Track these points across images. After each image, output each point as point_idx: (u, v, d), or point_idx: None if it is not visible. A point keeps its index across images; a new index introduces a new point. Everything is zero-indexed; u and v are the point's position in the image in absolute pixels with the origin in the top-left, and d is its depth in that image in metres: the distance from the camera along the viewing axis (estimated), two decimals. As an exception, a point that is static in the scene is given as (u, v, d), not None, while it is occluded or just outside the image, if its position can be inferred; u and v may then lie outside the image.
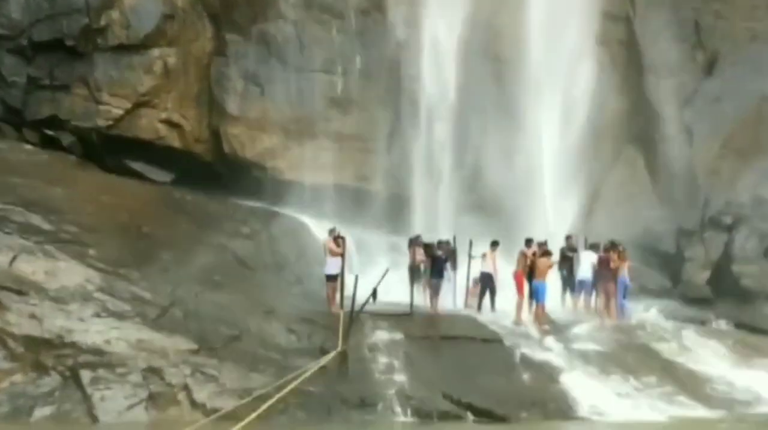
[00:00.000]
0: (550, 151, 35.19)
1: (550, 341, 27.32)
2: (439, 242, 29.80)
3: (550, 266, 29.29)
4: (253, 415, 20.37)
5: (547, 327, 28.10)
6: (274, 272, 29.65)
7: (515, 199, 33.84)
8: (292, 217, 32.83)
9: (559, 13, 35.06)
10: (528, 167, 34.77)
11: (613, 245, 30.04)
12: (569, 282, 30.87)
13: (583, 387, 24.99)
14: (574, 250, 31.11)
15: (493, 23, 35.42)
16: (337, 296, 27.18)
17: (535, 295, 28.83)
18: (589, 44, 35.86)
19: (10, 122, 32.61)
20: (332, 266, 27.84)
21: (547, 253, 29.31)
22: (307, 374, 22.57)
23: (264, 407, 20.96)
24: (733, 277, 32.88)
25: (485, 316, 28.87)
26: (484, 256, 29.76)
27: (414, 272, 29.84)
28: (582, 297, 30.51)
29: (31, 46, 32.60)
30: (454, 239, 30.71)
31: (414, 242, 30.50)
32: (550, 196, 34.57)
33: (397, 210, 33.47)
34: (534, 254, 29.11)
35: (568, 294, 30.95)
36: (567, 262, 30.86)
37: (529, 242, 29.62)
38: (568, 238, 31.57)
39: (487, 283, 29.66)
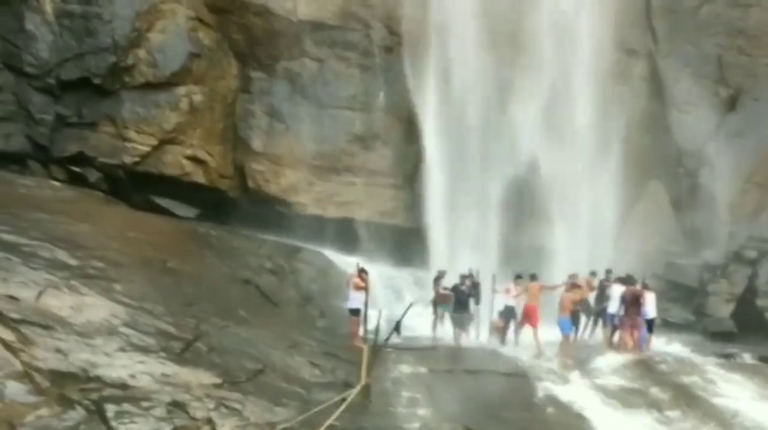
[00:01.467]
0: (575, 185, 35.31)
1: (573, 375, 27.25)
2: (463, 276, 29.87)
3: (575, 301, 29.35)
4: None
5: (570, 361, 28.08)
6: (298, 306, 29.86)
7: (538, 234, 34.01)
8: (316, 251, 33.09)
9: (582, 49, 35.26)
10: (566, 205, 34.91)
11: (630, 279, 30.06)
12: (602, 315, 30.84)
13: (607, 422, 24.87)
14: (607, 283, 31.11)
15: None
16: (360, 329, 27.24)
17: (562, 329, 28.92)
18: (612, 81, 36.00)
19: (38, 159, 33.06)
20: (355, 300, 27.97)
21: (575, 286, 29.42)
22: (338, 412, 22.54)
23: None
24: (757, 311, 32.84)
25: (509, 350, 28.88)
26: (507, 290, 29.82)
27: (438, 306, 29.90)
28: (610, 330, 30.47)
29: (59, 84, 33.11)
30: (478, 273, 30.78)
31: (439, 277, 30.59)
32: (574, 231, 34.61)
33: (420, 245, 33.64)
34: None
35: (599, 327, 30.91)
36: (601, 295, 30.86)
37: (533, 277, 29.85)
38: (607, 272, 31.55)
39: (510, 316, 29.70)
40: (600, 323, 30.92)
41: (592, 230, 34.79)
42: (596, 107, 35.64)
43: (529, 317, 29.50)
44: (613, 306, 29.94)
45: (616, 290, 30.09)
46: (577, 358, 28.37)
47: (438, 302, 30.05)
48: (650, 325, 29.82)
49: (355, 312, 27.88)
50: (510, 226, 34.37)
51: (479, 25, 35.25)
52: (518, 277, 29.91)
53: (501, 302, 30.13)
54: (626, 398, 26.18)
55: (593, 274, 31.37)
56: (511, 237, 34.10)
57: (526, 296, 29.65)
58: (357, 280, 28.05)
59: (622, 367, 27.99)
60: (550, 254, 33.88)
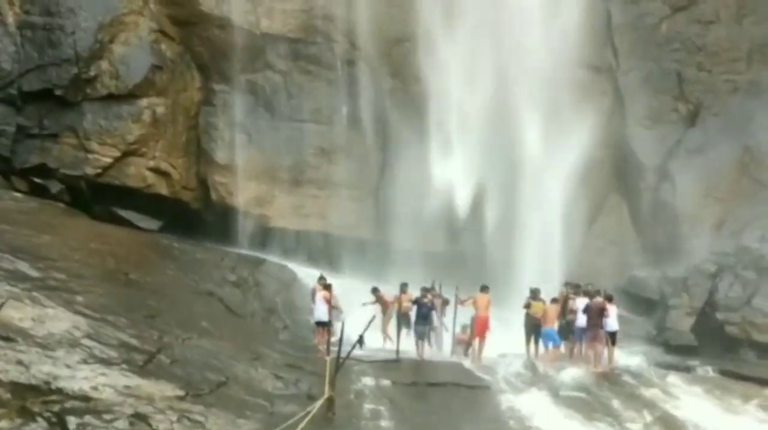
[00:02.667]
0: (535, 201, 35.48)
1: (536, 388, 27.37)
2: (425, 289, 29.91)
3: (558, 313, 29.68)
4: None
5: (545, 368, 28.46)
6: (261, 318, 29.80)
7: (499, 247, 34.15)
8: (280, 264, 33.03)
9: (544, 65, 35.47)
10: (511, 216, 35.03)
11: (597, 292, 30.24)
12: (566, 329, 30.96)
13: (567, 433, 25.09)
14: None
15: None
16: (324, 341, 27.29)
17: (549, 339, 29.60)
18: (573, 97, 36.25)
19: (0, 170, 32.86)
20: (321, 313, 28.02)
21: (554, 300, 29.94)
22: (302, 425, 22.50)
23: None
24: (717, 324, 33.03)
25: (471, 362, 28.98)
26: (474, 301, 29.90)
27: (401, 319, 29.94)
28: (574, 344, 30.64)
29: (20, 95, 32.90)
30: (440, 285, 30.83)
31: (402, 290, 30.61)
32: (535, 244, 34.76)
33: (383, 258, 33.70)
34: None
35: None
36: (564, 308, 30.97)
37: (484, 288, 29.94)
38: (565, 284, 31.68)
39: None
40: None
41: (552, 243, 34.89)
42: (557, 123, 35.83)
43: (480, 328, 29.63)
44: (580, 319, 30.09)
45: (580, 303, 30.28)
46: (541, 371, 28.49)
47: (401, 315, 30.09)
48: (613, 337, 29.99)
49: (322, 324, 27.94)
50: (473, 238, 34.51)
51: (443, 39, 35.40)
52: (484, 288, 29.99)
53: (466, 314, 30.24)
54: (587, 410, 26.32)
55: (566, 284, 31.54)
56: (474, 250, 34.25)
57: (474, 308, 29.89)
58: (325, 292, 28.13)
59: (584, 380, 28.15)
60: (513, 268, 33.99)
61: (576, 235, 35.70)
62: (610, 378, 28.71)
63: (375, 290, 30.44)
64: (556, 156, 35.64)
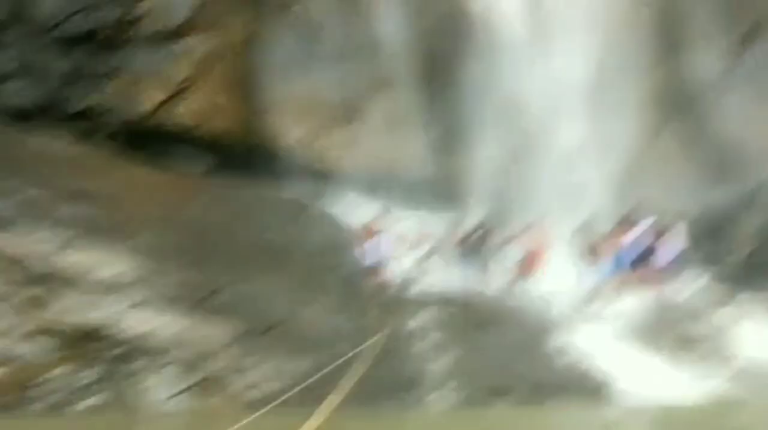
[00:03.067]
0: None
1: (588, 319, 27.13)
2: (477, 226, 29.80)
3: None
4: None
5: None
6: (316, 258, 29.62)
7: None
8: (331, 203, 32.82)
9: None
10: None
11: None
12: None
13: (623, 367, 24.81)
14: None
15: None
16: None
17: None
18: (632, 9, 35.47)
19: (50, 114, 32.69)
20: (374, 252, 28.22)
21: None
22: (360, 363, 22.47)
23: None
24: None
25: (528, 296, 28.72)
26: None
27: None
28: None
29: (67, 38, 32.62)
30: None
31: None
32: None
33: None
34: None
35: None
36: None
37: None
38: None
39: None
40: None
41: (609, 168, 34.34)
42: (609, 47, 35.09)
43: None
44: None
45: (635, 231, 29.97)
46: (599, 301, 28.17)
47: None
48: (678, 262, 29.58)
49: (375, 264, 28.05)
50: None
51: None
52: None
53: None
54: (650, 340, 26.09)
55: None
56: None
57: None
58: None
59: (647, 308, 27.83)
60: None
61: (634, 159, 35.11)
62: (666, 308, 28.33)
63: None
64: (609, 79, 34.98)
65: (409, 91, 34.45)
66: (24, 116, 32.68)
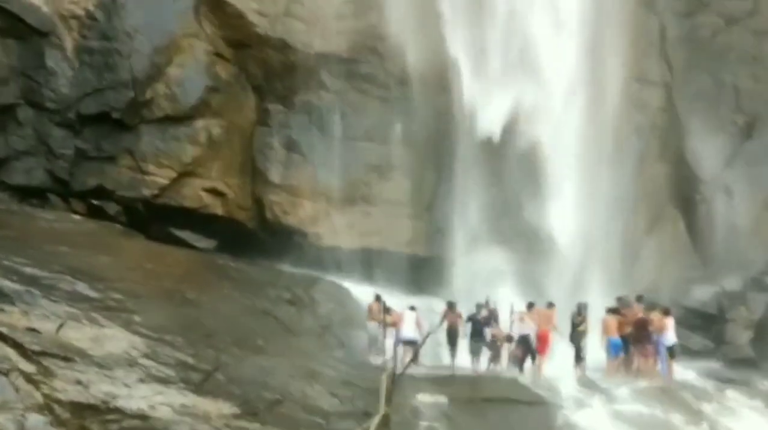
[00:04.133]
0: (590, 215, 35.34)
1: (594, 402, 27.27)
2: (479, 305, 29.98)
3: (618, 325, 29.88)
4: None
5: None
6: (316, 336, 29.89)
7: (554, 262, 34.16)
8: (334, 282, 33.18)
9: (597, 79, 35.40)
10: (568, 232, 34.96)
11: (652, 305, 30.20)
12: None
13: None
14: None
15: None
16: (379, 359, 27.44)
17: (613, 349, 29.62)
18: (629, 110, 36.15)
19: (58, 193, 33.37)
20: (409, 332, 29.20)
21: (614, 310, 30.20)
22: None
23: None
24: (776, 337, 32.73)
25: (527, 378, 28.90)
26: (522, 318, 29.89)
27: (451, 336, 29.99)
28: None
29: (78, 119, 33.32)
30: (495, 302, 30.82)
31: (450, 308, 30.64)
32: (591, 258, 34.64)
33: (438, 274, 33.76)
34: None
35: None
36: None
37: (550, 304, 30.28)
38: (618, 299, 31.58)
39: (526, 344, 29.77)
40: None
41: (607, 257, 34.75)
42: (613, 136, 35.76)
43: (541, 342, 29.63)
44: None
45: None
46: (595, 385, 28.37)
47: (451, 331, 30.17)
48: (671, 351, 29.85)
49: (409, 343, 28.54)
50: (526, 254, 34.48)
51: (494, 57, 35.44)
52: (531, 305, 30.02)
53: (517, 330, 30.21)
54: (646, 426, 26.18)
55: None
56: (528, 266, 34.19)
57: (533, 322, 29.83)
58: (413, 313, 29.61)
59: (642, 394, 27.99)
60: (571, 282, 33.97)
61: (632, 248, 35.58)
62: (669, 392, 28.53)
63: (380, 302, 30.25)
64: (610, 171, 35.53)
65: (407, 177, 35.14)
66: (34, 194, 33.28)
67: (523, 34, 35.53)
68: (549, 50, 35.59)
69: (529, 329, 29.75)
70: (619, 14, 35.58)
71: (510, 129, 34.88)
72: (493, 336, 30.05)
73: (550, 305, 30.24)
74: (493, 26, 35.53)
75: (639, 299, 31.60)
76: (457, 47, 35.20)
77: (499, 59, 35.43)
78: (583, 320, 29.94)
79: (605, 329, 29.85)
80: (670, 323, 30.03)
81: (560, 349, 30.26)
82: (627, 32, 35.84)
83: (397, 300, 31.13)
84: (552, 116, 35.26)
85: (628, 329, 30.08)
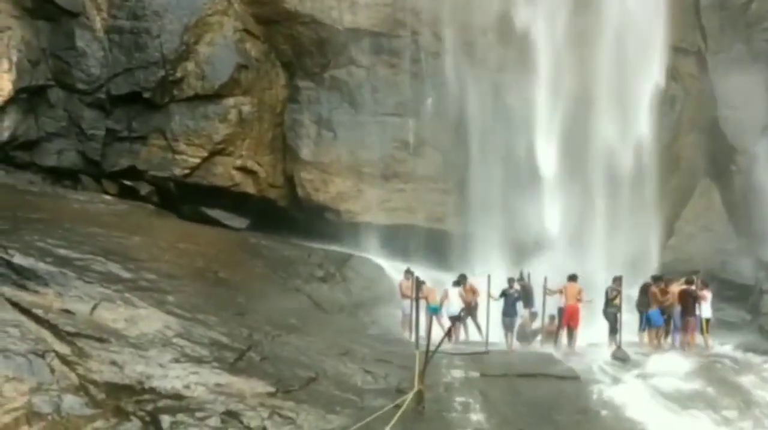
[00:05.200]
0: (624, 187, 35.13)
1: (627, 376, 27.14)
2: (511, 280, 29.90)
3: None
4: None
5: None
6: (349, 313, 30.01)
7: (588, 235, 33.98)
8: (366, 259, 33.21)
9: (631, 48, 35.12)
10: (601, 204, 34.77)
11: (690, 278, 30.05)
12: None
13: (662, 423, 24.76)
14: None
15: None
16: (411, 335, 27.47)
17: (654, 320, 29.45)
18: (662, 79, 35.86)
19: (90, 174, 33.52)
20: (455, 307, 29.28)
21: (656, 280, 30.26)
22: (394, 420, 22.51)
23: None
24: (813, 307, 32.44)
25: (561, 352, 28.84)
26: (561, 292, 29.76)
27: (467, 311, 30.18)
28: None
29: (109, 99, 33.39)
30: (528, 275, 30.71)
31: (460, 283, 30.65)
32: (625, 232, 34.44)
33: (469, 249, 33.70)
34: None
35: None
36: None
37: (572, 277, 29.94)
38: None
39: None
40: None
41: (644, 230, 34.56)
42: (649, 106, 35.50)
43: (570, 317, 29.49)
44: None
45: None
46: (630, 359, 28.23)
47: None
48: (707, 324, 29.68)
49: (455, 318, 28.82)
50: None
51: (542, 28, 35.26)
52: (572, 277, 29.85)
53: (554, 304, 30.10)
54: (682, 399, 26.06)
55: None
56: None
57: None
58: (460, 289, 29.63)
59: (678, 367, 27.83)
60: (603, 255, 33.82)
61: (667, 221, 35.37)
62: (705, 366, 28.34)
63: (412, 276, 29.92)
64: (645, 141, 35.33)
65: (439, 152, 35.03)
66: (66, 175, 33.48)
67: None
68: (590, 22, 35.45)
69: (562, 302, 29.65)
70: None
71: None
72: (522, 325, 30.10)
73: (572, 277, 29.99)
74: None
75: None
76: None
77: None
78: (618, 294, 29.71)
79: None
80: (708, 295, 29.85)
81: (594, 322, 30.02)
82: (661, 1, 35.52)
83: (428, 276, 31.00)
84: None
85: (668, 301, 29.87)
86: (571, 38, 35.22)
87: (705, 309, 29.77)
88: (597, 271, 32.31)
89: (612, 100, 35.28)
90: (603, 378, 26.84)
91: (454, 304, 29.71)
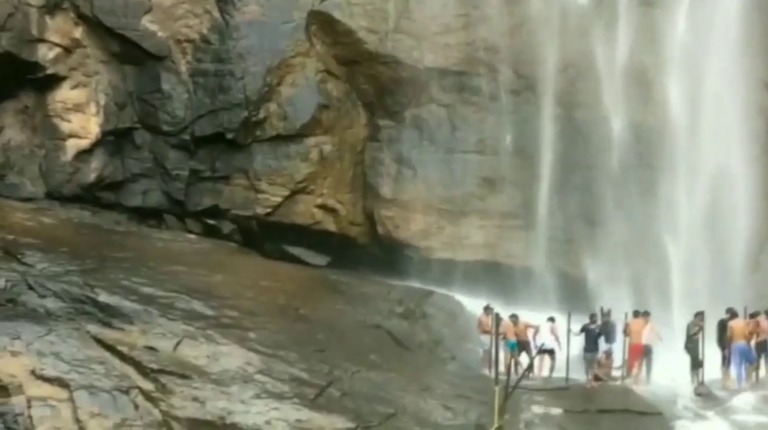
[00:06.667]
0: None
1: (711, 413, 26.79)
2: (592, 315, 29.76)
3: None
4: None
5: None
6: (428, 349, 30.04)
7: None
8: (446, 295, 33.26)
9: (723, 85, 34.88)
10: (688, 238, 34.52)
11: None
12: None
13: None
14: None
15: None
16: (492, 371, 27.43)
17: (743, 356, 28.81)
18: (752, 113, 35.51)
19: (174, 213, 34.16)
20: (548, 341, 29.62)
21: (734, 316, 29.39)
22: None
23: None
24: None
25: (642, 388, 28.55)
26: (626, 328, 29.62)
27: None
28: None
29: (193, 140, 34.01)
30: (609, 312, 30.49)
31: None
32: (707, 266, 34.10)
33: (551, 287, 33.69)
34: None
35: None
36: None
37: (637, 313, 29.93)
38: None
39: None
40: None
41: (726, 265, 34.14)
42: (735, 142, 35.17)
43: (634, 355, 29.44)
44: None
45: None
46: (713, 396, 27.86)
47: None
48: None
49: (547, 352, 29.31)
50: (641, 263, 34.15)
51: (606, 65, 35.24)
52: (644, 313, 29.69)
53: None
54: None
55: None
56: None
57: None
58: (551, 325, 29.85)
59: (761, 404, 27.38)
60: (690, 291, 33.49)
61: (751, 254, 34.90)
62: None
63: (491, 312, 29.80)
64: (731, 176, 34.96)
65: (519, 189, 35.05)
66: (150, 215, 34.13)
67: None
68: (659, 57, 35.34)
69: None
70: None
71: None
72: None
73: (636, 313, 29.89)
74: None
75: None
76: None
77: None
78: (701, 329, 29.33)
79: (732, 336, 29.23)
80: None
81: (675, 358, 29.67)
82: (742, 33, 35.22)
83: (508, 313, 30.96)
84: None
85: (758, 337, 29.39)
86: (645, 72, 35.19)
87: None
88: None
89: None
90: (685, 414, 26.52)
91: (546, 338, 29.72)
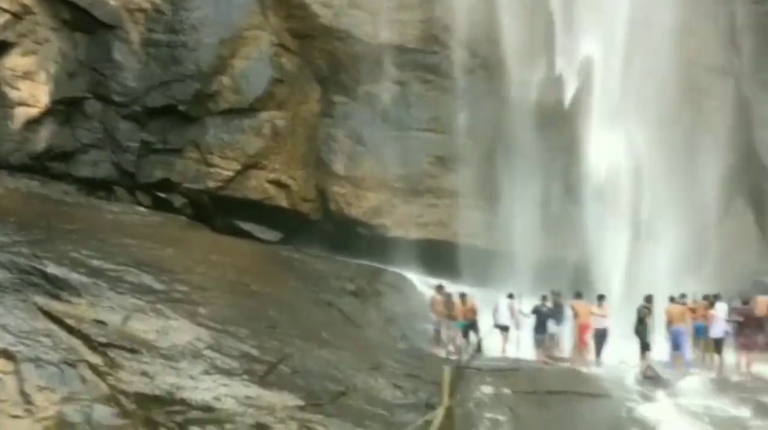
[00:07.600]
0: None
1: (658, 395, 26.98)
2: (544, 297, 29.86)
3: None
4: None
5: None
6: (380, 328, 30.01)
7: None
8: (398, 274, 33.24)
9: (669, 70, 35.08)
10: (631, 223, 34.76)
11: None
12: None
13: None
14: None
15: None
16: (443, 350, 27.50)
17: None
18: (699, 100, 35.76)
19: (124, 185, 33.75)
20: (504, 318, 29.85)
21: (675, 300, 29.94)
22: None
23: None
24: None
25: (591, 370, 28.72)
26: (591, 312, 29.71)
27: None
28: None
29: (145, 111, 33.63)
30: (559, 294, 30.62)
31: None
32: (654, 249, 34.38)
33: (500, 266, 33.69)
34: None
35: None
36: None
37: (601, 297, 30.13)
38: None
39: (602, 338, 29.61)
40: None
41: (677, 248, 34.41)
42: (685, 127, 35.40)
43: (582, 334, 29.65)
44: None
45: (720, 309, 29.79)
46: (661, 378, 28.09)
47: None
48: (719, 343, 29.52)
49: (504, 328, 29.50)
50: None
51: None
52: (601, 297, 29.80)
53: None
54: (712, 418, 25.85)
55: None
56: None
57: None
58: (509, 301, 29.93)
59: (706, 386, 27.63)
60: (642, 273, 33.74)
61: (700, 239, 35.21)
62: (738, 386, 28.12)
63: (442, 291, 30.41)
64: (679, 161, 35.20)
65: (472, 168, 35.06)
66: (100, 187, 33.68)
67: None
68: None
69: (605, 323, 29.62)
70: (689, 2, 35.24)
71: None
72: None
73: (578, 295, 30.21)
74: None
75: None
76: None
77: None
78: (649, 312, 29.55)
79: (670, 319, 29.50)
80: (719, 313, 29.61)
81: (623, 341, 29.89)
82: (697, 21, 35.43)
83: (460, 291, 31.02)
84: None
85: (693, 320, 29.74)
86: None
87: (718, 328, 29.48)
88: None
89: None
90: (634, 396, 26.65)
91: (503, 314, 29.83)
